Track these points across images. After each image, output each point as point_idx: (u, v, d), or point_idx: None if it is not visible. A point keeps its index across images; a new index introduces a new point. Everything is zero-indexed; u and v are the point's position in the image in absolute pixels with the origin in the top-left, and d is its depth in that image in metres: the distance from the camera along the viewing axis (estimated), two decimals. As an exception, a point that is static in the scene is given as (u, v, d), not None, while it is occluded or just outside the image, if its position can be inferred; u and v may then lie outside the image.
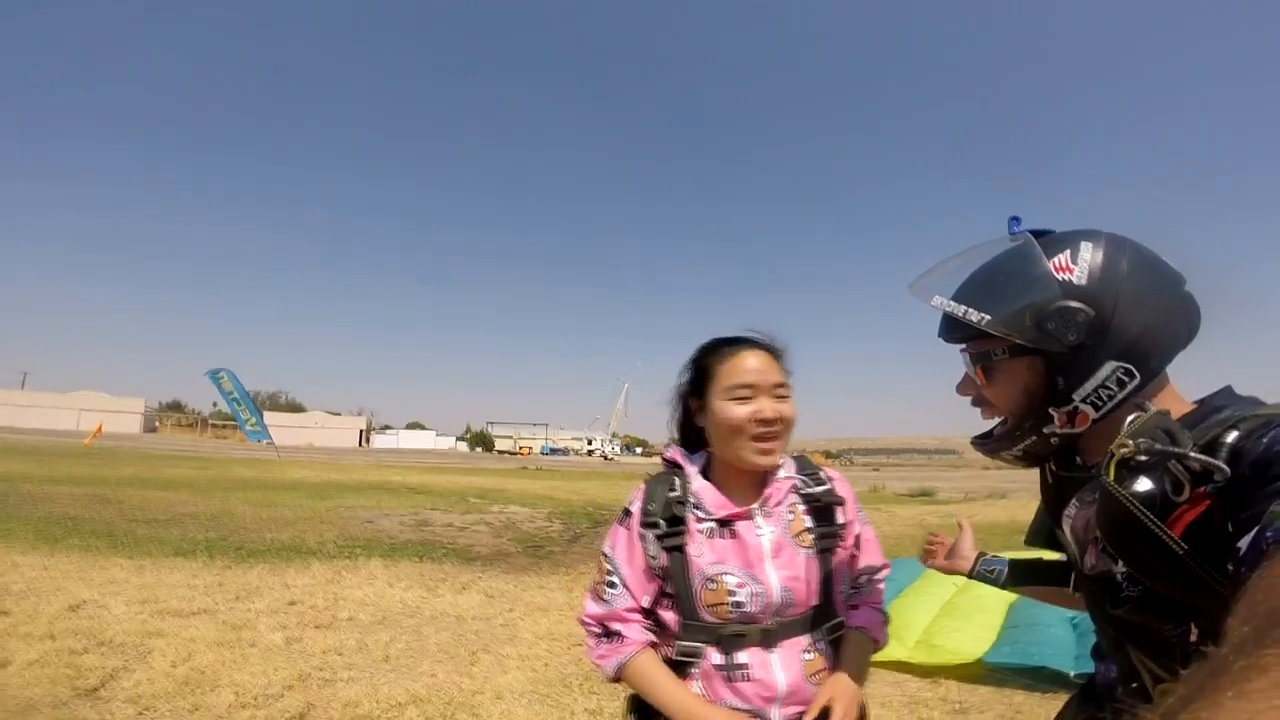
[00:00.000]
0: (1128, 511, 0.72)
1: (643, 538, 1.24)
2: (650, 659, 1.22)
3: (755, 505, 1.25)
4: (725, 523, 1.23)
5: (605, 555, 1.28)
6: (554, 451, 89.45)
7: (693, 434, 1.35)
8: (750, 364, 1.24)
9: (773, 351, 1.29)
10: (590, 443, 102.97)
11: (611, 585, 1.25)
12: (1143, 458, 0.73)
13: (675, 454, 1.35)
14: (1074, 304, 0.86)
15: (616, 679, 1.24)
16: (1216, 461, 0.70)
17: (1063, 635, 3.84)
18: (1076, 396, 0.88)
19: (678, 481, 1.28)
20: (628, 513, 1.29)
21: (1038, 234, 0.94)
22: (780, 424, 1.23)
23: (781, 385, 1.25)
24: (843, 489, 1.34)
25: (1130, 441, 0.74)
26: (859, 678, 1.22)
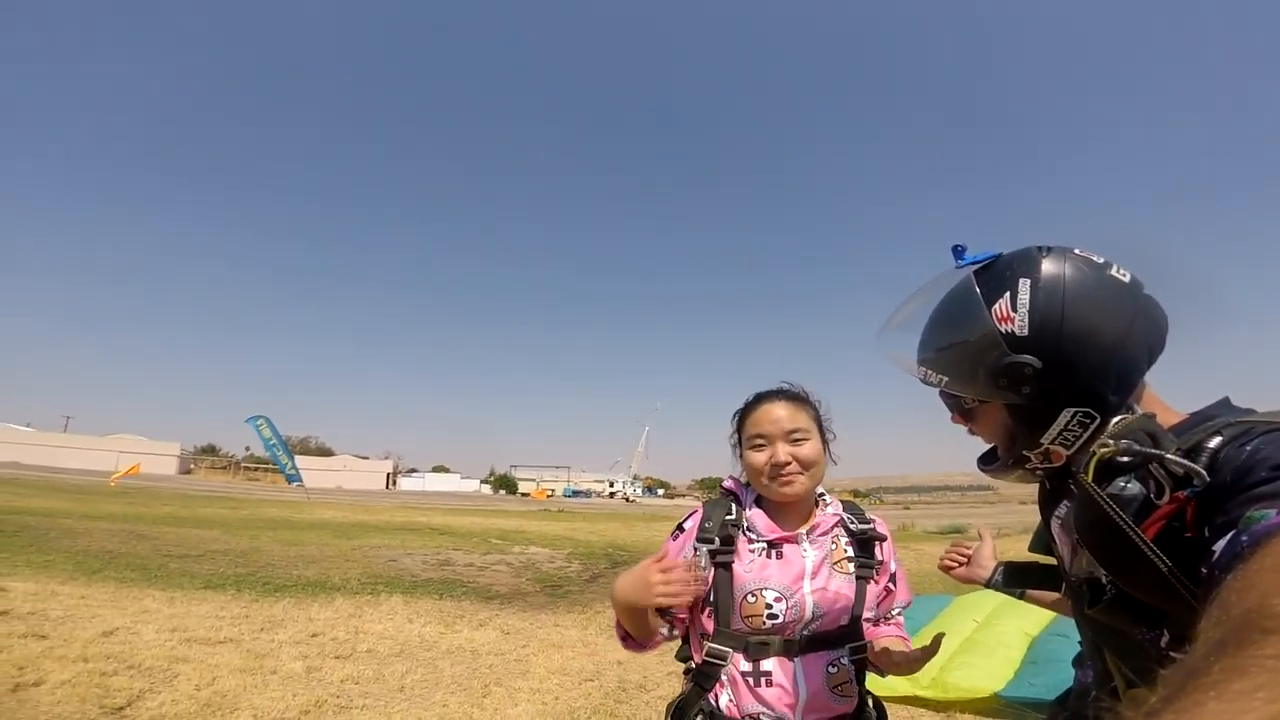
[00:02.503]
0: (1102, 511, 0.73)
1: (696, 550, 1.36)
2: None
3: (803, 530, 1.39)
4: (774, 544, 1.36)
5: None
6: (576, 494, 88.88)
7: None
8: (770, 416, 1.39)
9: (794, 399, 1.43)
10: (611, 485, 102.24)
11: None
12: (1124, 459, 0.75)
13: (732, 484, 1.49)
14: (1020, 358, 0.87)
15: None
16: (1195, 466, 0.70)
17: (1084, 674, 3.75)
18: (1045, 441, 0.91)
19: (734, 507, 1.42)
20: (681, 529, 1.43)
21: (984, 262, 0.96)
22: (795, 464, 1.36)
23: (797, 431, 1.38)
24: (883, 529, 1.49)
25: (1111, 442, 0.77)
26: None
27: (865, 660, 1.40)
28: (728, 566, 1.34)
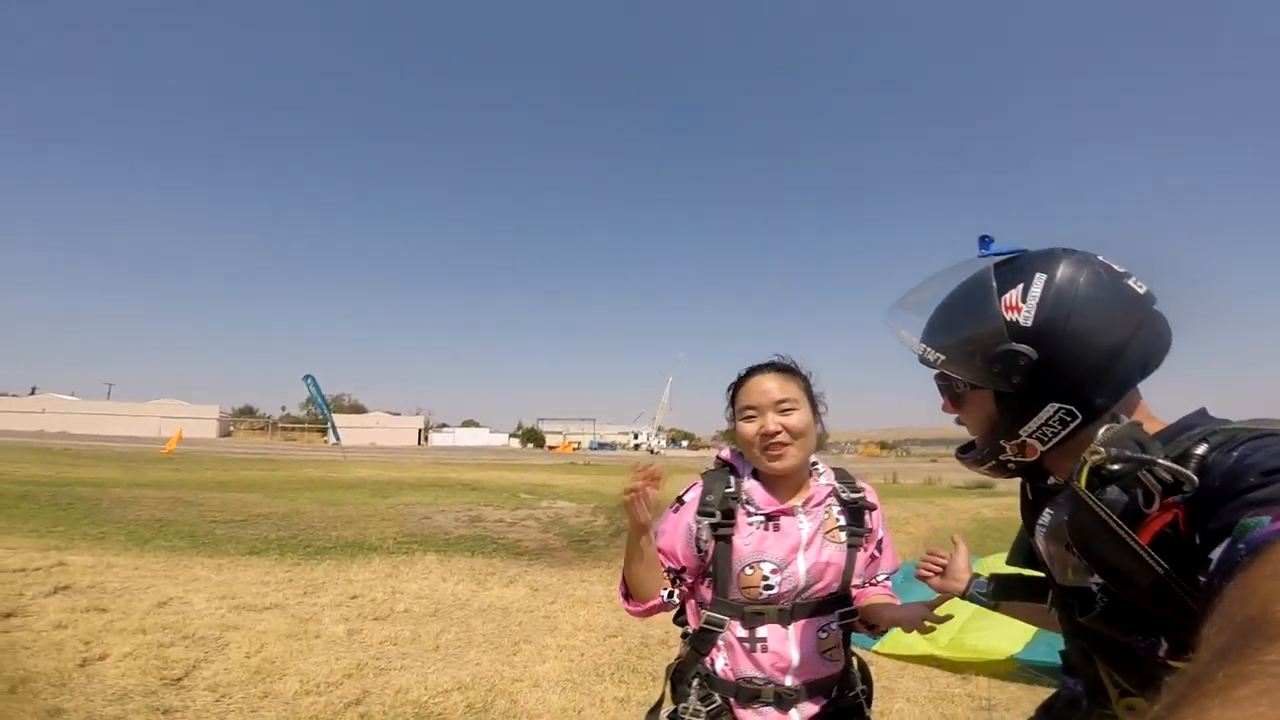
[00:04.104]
0: (1098, 519, 0.75)
1: (697, 523, 1.43)
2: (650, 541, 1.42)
3: (798, 503, 1.45)
4: (771, 517, 1.43)
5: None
6: (601, 446, 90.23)
7: None
8: (759, 387, 1.45)
9: (783, 370, 1.48)
10: (636, 437, 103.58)
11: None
12: (1114, 466, 0.76)
13: (729, 455, 1.55)
14: (1018, 347, 0.89)
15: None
16: (1186, 471, 0.71)
17: None
18: (1023, 433, 0.92)
19: (732, 479, 1.48)
20: (681, 501, 1.49)
21: (1006, 255, 0.98)
22: (785, 433, 1.41)
23: (786, 400, 1.42)
24: (873, 498, 1.55)
25: (1102, 449, 0.78)
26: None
27: (852, 625, 1.49)
28: (728, 539, 1.41)
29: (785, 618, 1.39)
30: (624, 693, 3.60)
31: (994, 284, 0.93)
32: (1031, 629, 4.03)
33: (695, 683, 1.41)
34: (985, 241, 0.99)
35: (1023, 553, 1.14)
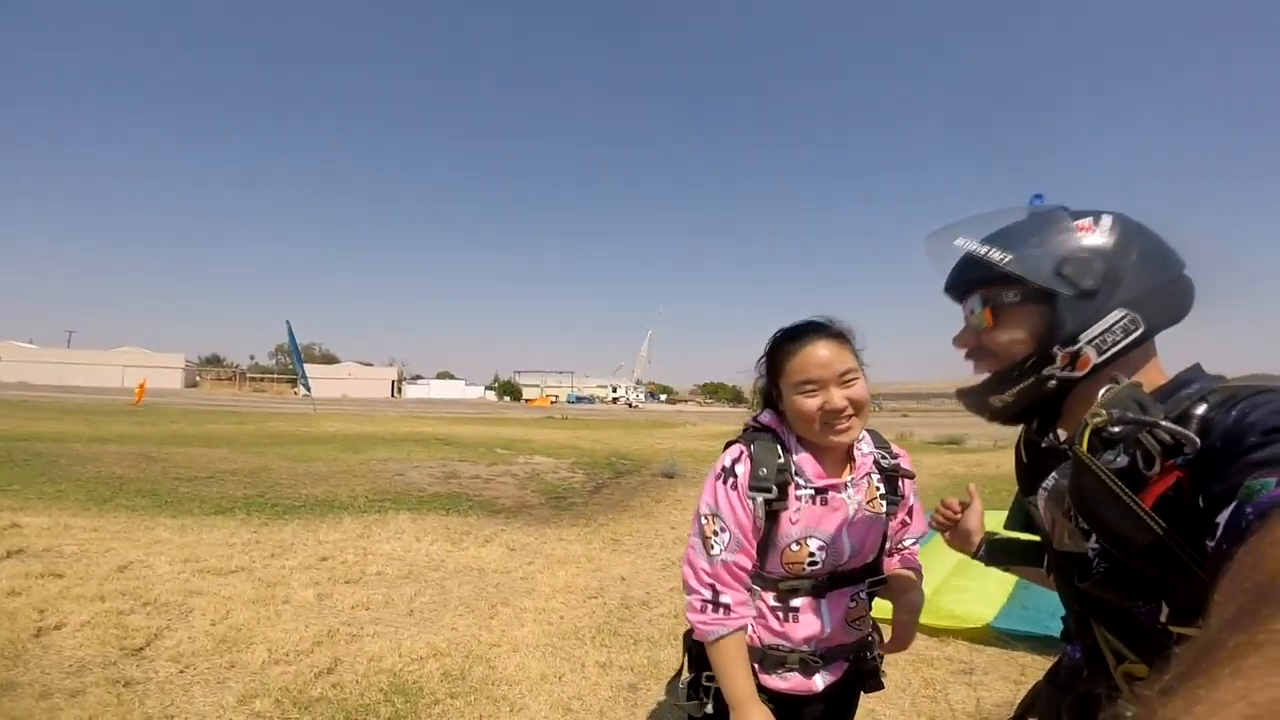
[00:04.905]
0: (1100, 482, 0.73)
1: (752, 499, 1.31)
2: (739, 642, 1.31)
3: (847, 478, 1.37)
4: (820, 491, 1.34)
5: (709, 515, 1.34)
6: (580, 399, 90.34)
7: (777, 406, 1.42)
8: (816, 357, 1.29)
9: (837, 337, 1.33)
10: (615, 390, 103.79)
11: (719, 536, 1.31)
12: (1115, 428, 0.75)
13: (769, 419, 1.41)
14: (1092, 252, 0.89)
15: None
16: (1187, 432, 0.71)
17: None
18: (1083, 338, 0.89)
19: (779, 449, 1.36)
20: (731, 473, 1.33)
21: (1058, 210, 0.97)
22: (851, 407, 1.29)
23: (848, 371, 1.30)
24: (908, 464, 1.50)
25: (1103, 411, 0.76)
26: (921, 603, 1.49)
27: (877, 593, 1.48)
28: (776, 515, 1.32)
29: (821, 589, 1.36)
30: (605, 657, 3.56)
31: (1061, 212, 0.95)
32: (1005, 594, 4.10)
33: None
34: (1038, 197, 1.00)
35: (1020, 517, 1.13)
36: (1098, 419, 0.76)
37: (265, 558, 5.08)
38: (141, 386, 30.31)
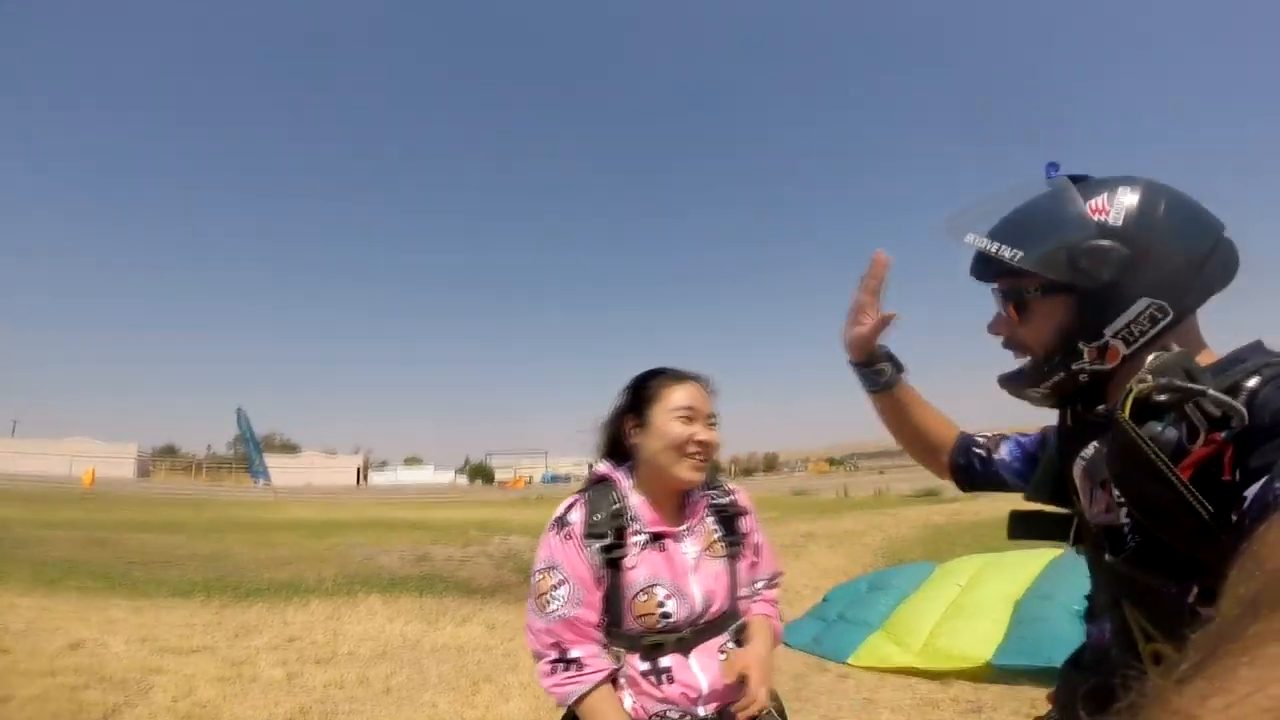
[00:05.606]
0: (1140, 450, 0.69)
1: (589, 547, 1.28)
2: (608, 695, 1.23)
3: (683, 527, 1.37)
4: (657, 537, 1.33)
5: (545, 570, 1.28)
6: (555, 479, 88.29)
7: (619, 453, 1.44)
8: (697, 393, 1.39)
9: (708, 387, 1.44)
10: (591, 467, 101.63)
11: (556, 591, 1.25)
12: (1161, 397, 0.71)
13: (608, 469, 1.42)
14: (1108, 242, 0.85)
15: (568, 712, 1.26)
16: (1235, 404, 0.67)
17: (1070, 630, 3.80)
18: (1108, 332, 0.86)
19: (615, 495, 1.36)
20: (565, 521, 1.31)
21: (1074, 179, 0.93)
22: (711, 448, 1.37)
23: (714, 415, 1.40)
24: (744, 500, 1.49)
25: (1150, 377, 0.73)
26: (767, 649, 1.36)
27: (745, 625, 1.41)
28: (618, 564, 1.28)
29: (685, 645, 1.30)
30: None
31: (1074, 192, 0.89)
32: (1001, 631, 4.04)
33: None
34: (1053, 167, 0.95)
35: (1048, 486, 1.04)
36: (1143, 385, 0.72)
37: (229, 638, 4.79)
38: (89, 474, 28.89)
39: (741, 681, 1.27)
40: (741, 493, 1.50)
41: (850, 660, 4.13)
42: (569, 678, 1.22)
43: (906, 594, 4.98)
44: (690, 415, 1.35)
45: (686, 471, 1.33)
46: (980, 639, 4.00)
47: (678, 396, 1.36)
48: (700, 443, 1.34)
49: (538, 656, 1.26)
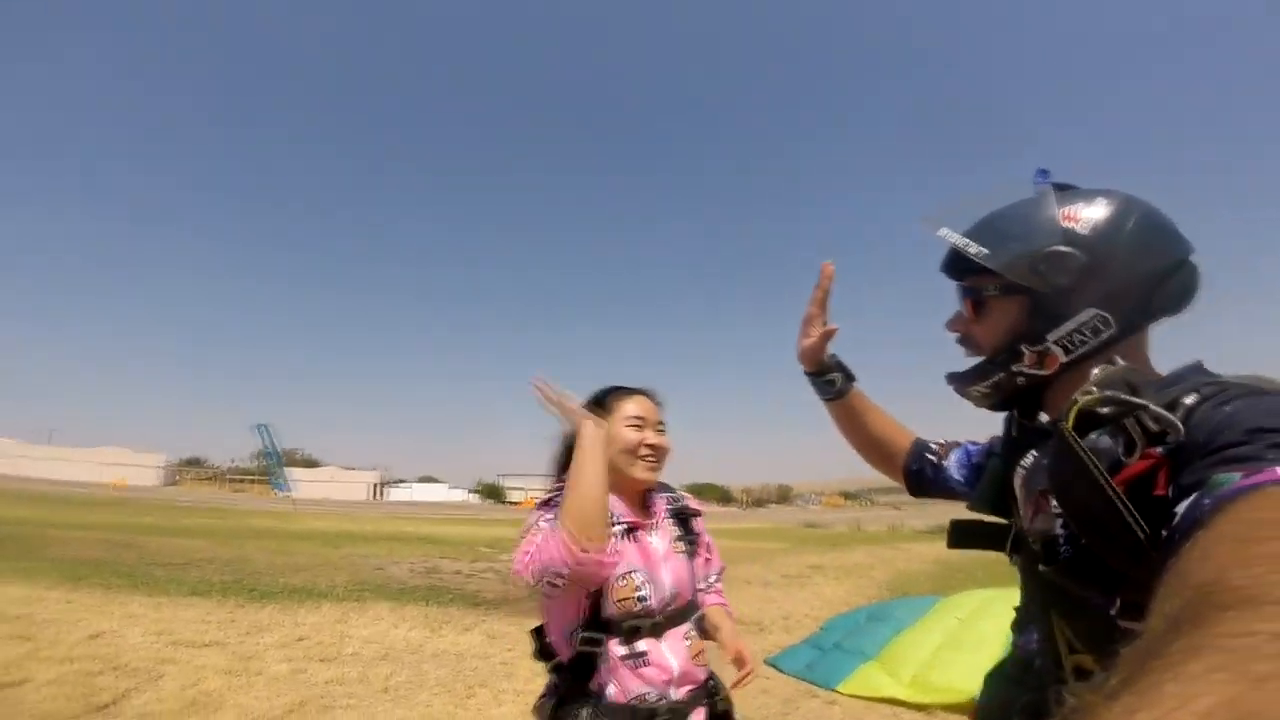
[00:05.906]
0: (1078, 460, 0.69)
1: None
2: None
3: (651, 522, 1.55)
4: (631, 529, 1.49)
5: (536, 521, 1.36)
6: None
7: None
8: (645, 404, 1.58)
9: (655, 399, 1.63)
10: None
11: (548, 521, 1.33)
12: (1104, 409, 0.71)
13: None
14: (1069, 249, 0.87)
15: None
16: (1173, 418, 0.67)
17: None
18: (1050, 338, 0.89)
19: None
20: (552, 504, 1.40)
21: (1061, 187, 0.95)
22: (662, 450, 1.55)
23: (662, 423, 1.59)
24: (694, 504, 1.69)
25: (1094, 389, 0.73)
26: (736, 632, 1.60)
27: (703, 630, 1.57)
28: None
29: (658, 630, 1.42)
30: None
31: (1052, 199, 0.92)
32: (993, 664, 4.03)
33: (586, 713, 1.33)
34: (1043, 173, 0.97)
35: (989, 497, 1.06)
36: (1088, 397, 0.73)
37: (240, 634, 4.97)
38: (123, 480, 29.68)
39: (738, 660, 1.52)
40: (692, 498, 1.68)
41: (839, 687, 4.12)
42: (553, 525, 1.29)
43: (906, 625, 4.96)
44: (640, 423, 1.53)
45: (641, 472, 1.51)
46: (973, 672, 3.98)
47: (629, 407, 1.55)
48: (651, 446, 1.52)
49: (522, 552, 1.30)
